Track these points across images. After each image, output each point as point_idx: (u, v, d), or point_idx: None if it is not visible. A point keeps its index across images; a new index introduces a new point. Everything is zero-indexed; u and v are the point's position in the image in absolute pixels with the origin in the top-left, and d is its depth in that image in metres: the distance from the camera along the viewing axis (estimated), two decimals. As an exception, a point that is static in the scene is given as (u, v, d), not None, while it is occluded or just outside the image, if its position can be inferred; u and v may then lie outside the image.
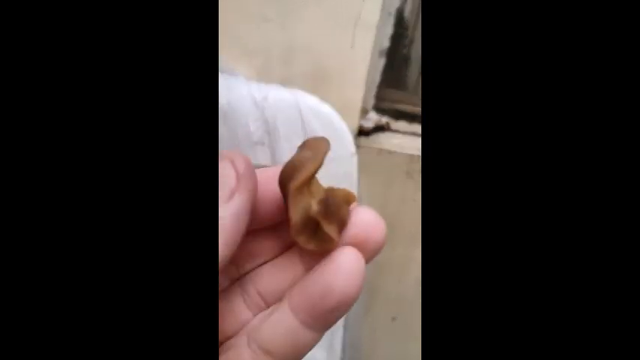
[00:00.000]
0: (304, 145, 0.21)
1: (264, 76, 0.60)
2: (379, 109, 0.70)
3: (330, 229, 0.19)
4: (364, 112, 0.68)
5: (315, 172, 0.19)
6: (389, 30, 0.65)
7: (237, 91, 0.55)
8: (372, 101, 0.68)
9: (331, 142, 0.57)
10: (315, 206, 0.19)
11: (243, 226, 0.18)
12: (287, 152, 0.56)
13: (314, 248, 0.19)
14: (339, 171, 0.57)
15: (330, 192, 0.20)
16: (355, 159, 0.58)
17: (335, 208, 0.19)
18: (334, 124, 0.57)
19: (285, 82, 0.60)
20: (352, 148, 0.58)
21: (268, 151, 0.56)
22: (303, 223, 0.19)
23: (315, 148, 0.20)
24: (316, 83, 0.61)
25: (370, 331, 0.74)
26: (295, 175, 0.19)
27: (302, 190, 0.19)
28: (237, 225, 0.17)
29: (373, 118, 0.69)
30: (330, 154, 0.58)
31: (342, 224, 0.19)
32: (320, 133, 0.56)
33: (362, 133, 0.67)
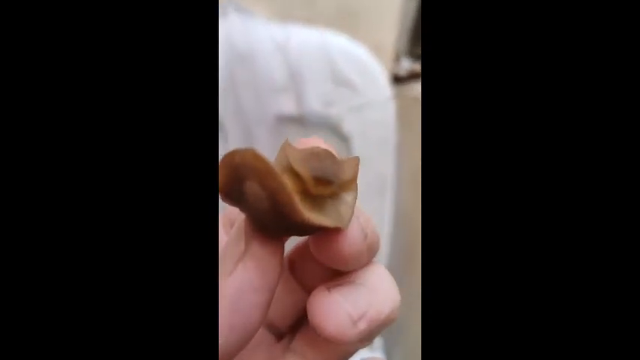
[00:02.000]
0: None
1: (284, 18, 0.54)
2: (414, 55, 0.63)
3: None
4: (397, 58, 0.62)
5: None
6: (422, -36, 0.58)
7: (255, 32, 0.50)
8: (405, 45, 0.61)
9: (364, 87, 0.52)
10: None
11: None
12: (314, 99, 0.51)
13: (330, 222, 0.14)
14: (373, 118, 0.51)
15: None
16: (392, 104, 0.52)
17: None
18: (366, 64, 0.51)
19: (308, 23, 0.55)
20: (387, 91, 0.51)
21: (293, 98, 0.50)
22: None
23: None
24: (342, 25, 0.55)
25: (411, 298, 0.69)
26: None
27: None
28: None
29: (407, 65, 0.63)
30: (362, 100, 0.52)
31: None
32: (350, 76, 0.50)
33: (396, 81, 0.61)
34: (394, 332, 0.54)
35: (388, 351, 0.54)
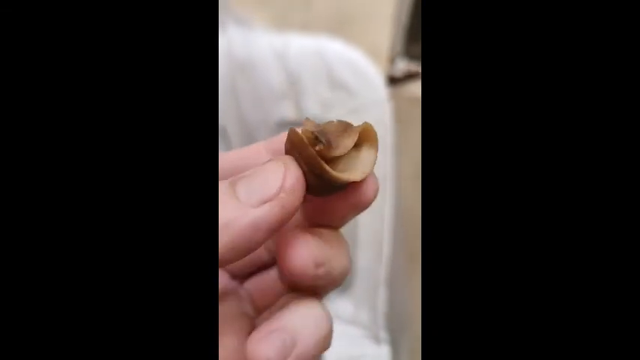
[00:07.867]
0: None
1: (282, 22, 0.55)
2: (409, 55, 0.65)
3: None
4: (392, 59, 0.63)
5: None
6: (414, -34, 0.59)
7: (255, 43, 0.51)
8: (400, 46, 0.63)
9: (360, 88, 0.53)
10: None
11: (257, 238, 0.15)
12: (313, 103, 0.52)
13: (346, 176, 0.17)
14: (369, 118, 0.52)
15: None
16: (388, 105, 0.53)
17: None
18: (361, 68, 0.52)
19: (305, 28, 0.56)
20: (383, 92, 0.53)
21: (293, 104, 0.52)
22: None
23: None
24: (338, 29, 0.57)
25: (414, 291, 0.70)
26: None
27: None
28: (250, 234, 0.15)
29: (402, 66, 0.64)
30: (359, 101, 0.53)
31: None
32: (346, 80, 0.52)
33: (391, 82, 0.62)
34: (400, 326, 0.56)
35: (394, 342, 0.55)
